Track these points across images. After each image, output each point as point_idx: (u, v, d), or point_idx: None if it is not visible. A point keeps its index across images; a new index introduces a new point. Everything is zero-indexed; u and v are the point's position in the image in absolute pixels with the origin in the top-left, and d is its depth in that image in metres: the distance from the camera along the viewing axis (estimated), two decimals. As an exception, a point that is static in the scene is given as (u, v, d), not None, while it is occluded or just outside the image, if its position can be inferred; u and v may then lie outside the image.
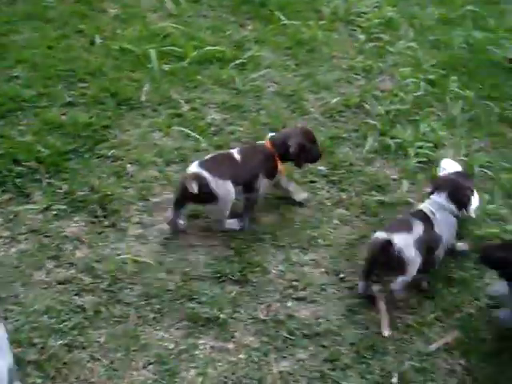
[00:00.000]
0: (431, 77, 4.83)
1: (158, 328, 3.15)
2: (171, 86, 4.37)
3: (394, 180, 4.06)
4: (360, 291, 3.43)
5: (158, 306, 3.23)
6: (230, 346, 3.14)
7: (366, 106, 4.49)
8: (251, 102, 4.40)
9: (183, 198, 3.51)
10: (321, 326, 3.26)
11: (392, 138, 4.26)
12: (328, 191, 3.94)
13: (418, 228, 3.43)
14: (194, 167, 3.49)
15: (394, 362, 3.15)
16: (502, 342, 3.36)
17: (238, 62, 4.64)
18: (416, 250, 3.36)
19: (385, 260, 3.38)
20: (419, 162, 4.14)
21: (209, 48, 4.67)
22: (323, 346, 3.19)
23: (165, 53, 4.62)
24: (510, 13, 6.09)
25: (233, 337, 3.17)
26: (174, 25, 4.86)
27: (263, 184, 3.66)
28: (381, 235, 3.37)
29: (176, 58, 4.61)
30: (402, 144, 4.23)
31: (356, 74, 4.79)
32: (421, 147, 4.21)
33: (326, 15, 5.32)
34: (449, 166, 3.95)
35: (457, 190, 3.62)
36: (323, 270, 3.52)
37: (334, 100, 4.49)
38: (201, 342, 3.13)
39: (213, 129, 4.14)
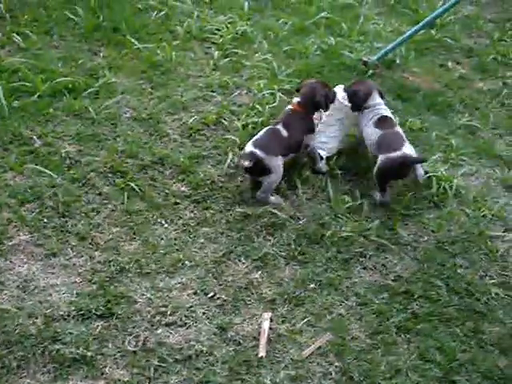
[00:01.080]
0: (287, 86, 4.91)
1: (23, 375, 3.04)
2: (22, 123, 4.22)
3: (258, 192, 4.11)
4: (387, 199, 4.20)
5: (21, 353, 3.10)
6: (101, 383, 3.05)
7: (225, 122, 4.51)
8: (107, 130, 4.31)
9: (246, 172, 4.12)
10: (192, 349, 3.23)
11: (252, 151, 4.31)
12: (192, 211, 3.92)
13: None
14: (248, 147, 4.08)
15: (269, 374, 3.17)
16: (374, 337, 3.46)
17: (91, 90, 4.54)
18: None
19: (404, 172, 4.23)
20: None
21: (60, 79, 4.55)
22: (197, 369, 3.17)
23: (14, 89, 4.45)
24: (363, 16, 6.33)
25: (102, 373, 3.09)
26: (23, 59, 4.71)
27: (309, 138, 4.27)
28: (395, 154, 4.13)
29: (26, 92, 4.46)
30: (262, 156, 4.29)
31: (213, 92, 4.80)
32: (280, 156, 4.28)
33: (180, 35, 5.32)
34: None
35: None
36: (191, 291, 3.50)
37: (192, 119, 4.48)
38: (70, 383, 3.03)
39: (68, 162, 4.03)
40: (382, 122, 4.35)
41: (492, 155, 4.88)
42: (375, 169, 4.19)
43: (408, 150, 4.21)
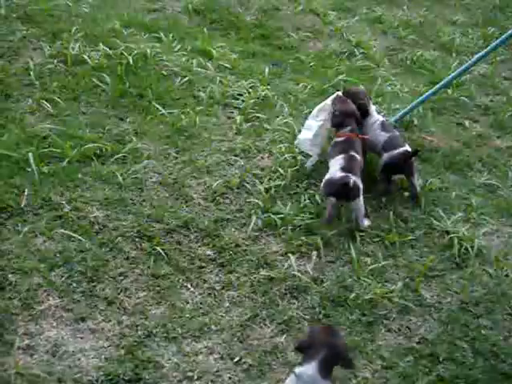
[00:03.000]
0: (308, 149, 5.02)
1: None
2: (52, 188, 4.33)
3: (281, 255, 4.15)
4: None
5: (50, 419, 3.15)
6: None
7: (248, 186, 4.61)
8: (134, 194, 4.41)
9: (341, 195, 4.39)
10: (219, 415, 3.26)
11: (275, 213, 4.38)
12: (217, 275, 3.98)
13: None
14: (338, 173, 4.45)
15: None
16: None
17: (118, 156, 4.67)
18: None
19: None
20: (304, 234, 4.28)
21: (88, 145, 4.69)
22: None
23: (44, 154, 4.58)
24: (380, 78, 6.47)
25: None
26: (52, 125, 4.87)
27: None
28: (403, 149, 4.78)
29: (55, 158, 4.58)
30: (285, 218, 4.37)
31: (236, 156, 4.90)
32: (303, 219, 4.35)
33: (203, 100, 5.46)
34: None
35: None
36: (217, 356, 3.53)
37: (216, 183, 4.58)
38: None
39: (96, 227, 4.11)
40: (385, 125, 4.97)
41: (513, 214, 4.93)
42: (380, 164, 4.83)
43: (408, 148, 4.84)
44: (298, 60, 6.51)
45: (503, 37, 5.11)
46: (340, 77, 6.22)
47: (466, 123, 6.06)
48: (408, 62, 7.03)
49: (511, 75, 7.25)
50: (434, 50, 7.43)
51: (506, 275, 4.31)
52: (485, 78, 7.04)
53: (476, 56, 5.39)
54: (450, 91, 6.43)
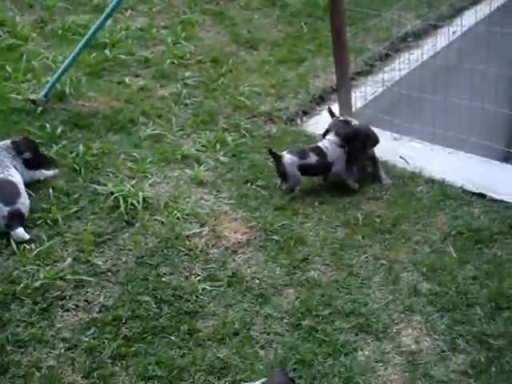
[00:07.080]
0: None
1: None
2: None
3: None
4: None
5: None
6: None
7: None
8: None
9: None
10: None
11: None
12: None
13: None
14: None
15: None
16: (90, 376, 3.35)
17: None
18: None
19: None
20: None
21: None
22: None
23: None
24: (30, 54, 6.15)
25: None
26: None
27: None
28: None
29: None
30: None
31: None
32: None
33: None
34: None
35: None
36: None
37: None
38: None
39: None
40: None
41: (181, 157, 5.04)
42: None
43: None
44: None
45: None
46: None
47: (127, 80, 6.05)
48: (60, 31, 6.77)
49: (168, 23, 7.38)
50: (87, 14, 7.26)
51: (177, 218, 4.40)
52: (143, 31, 7.07)
53: (105, 12, 5.33)
54: (107, 52, 6.35)
